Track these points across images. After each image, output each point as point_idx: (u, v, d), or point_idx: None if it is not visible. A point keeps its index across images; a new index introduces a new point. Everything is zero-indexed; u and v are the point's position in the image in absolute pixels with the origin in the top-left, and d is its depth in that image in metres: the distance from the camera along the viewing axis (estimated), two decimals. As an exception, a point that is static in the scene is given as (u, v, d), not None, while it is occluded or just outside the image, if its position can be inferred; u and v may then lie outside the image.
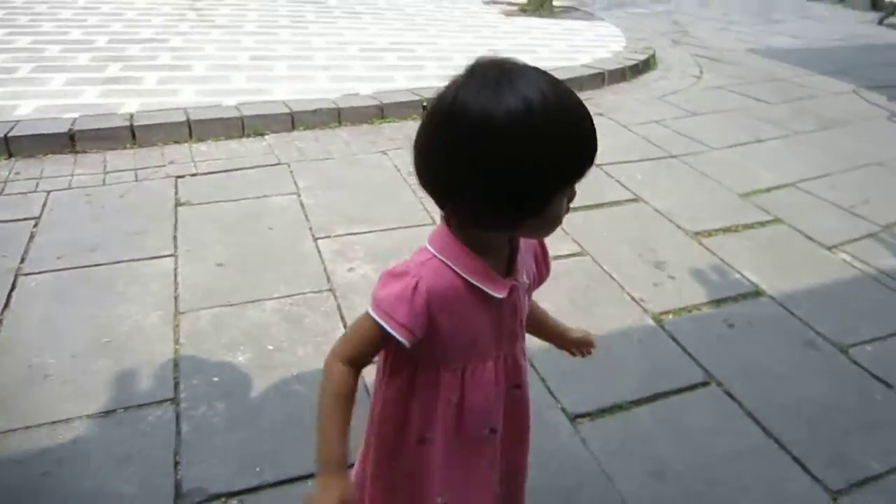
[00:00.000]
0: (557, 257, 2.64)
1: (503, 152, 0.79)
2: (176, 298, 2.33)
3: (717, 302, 2.45)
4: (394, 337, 0.90)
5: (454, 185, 0.85)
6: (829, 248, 2.83)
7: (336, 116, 3.91)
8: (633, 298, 2.45)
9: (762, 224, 3.03)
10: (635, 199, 3.21)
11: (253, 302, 2.32)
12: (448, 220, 0.93)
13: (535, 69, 0.84)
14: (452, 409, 1.01)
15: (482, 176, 0.81)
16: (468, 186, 0.83)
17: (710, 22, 7.72)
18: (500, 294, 0.95)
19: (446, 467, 1.06)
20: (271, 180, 3.23)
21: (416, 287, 0.89)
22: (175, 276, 2.46)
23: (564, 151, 0.81)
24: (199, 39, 5.29)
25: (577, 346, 1.27)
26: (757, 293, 2.51)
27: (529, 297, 1.07)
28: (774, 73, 5.52)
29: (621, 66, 5.15)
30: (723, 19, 7.96)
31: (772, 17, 8.21)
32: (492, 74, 0.80)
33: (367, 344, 0.96)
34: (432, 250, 0.92)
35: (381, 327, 0.90)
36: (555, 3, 7.47)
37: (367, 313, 0.93)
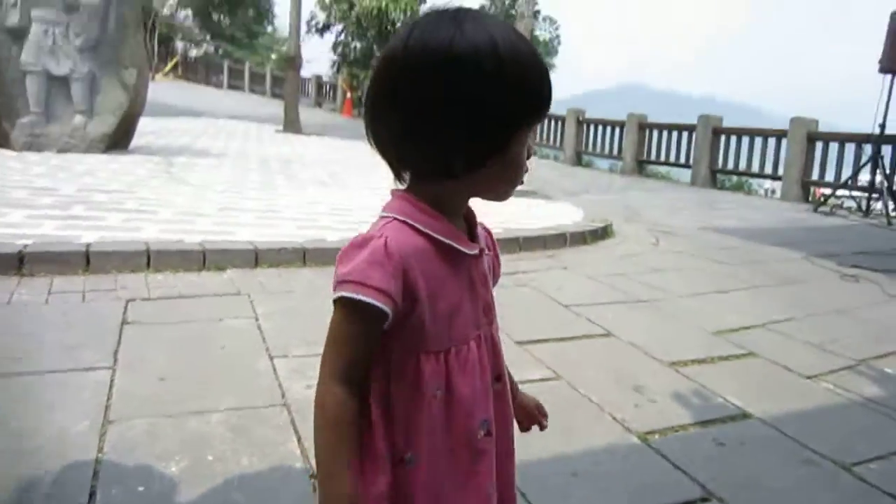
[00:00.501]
0: (530, 381, 2.50)
1: (470, 82, 0.76)
2: (107, 408, 2.07)
3: (704, 423, 2.28)
4: (374, 309, 0.77)
5: (418, 128, 0.79)
6: (809, 378, 2.74)
7: (301, 256, 3.86)
8: (614, 419, 2.27)
9: (737, 357, 2.94)
10: (607, 335, 3.12)
11: (196, 413, 2.08)
12: (403, 184, 0.86)
13: (488, 13, 0.85)
14: (439, 407, 0.85)
15: (448, 110, 0.77)
16: (433, 125, 0.78)
17: (658, 208, 8.21)
18: (469, 250, 0.86)
19: (434, 489, 0.86)
20: (229, 307, 3.08)
21: (385, 246, 0.78)
22: (110, 387, 2.22)
23: (525, 84, 0.80)
24: (168, 192, 5.37)
25: (529, 414, 1.09)
26: (744, 416, 2.35)
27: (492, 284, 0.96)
28: (727, 244, 5.76)
29: (582, 230, 5.34)
30: (671, 206, 8.49)
31: (716, 207, 8.80)
32: (448, 13, 0.80)
33: (352, 340, 0.82)
34: (390, 214, 0.83)
35: (357, 303, 0.77)
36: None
37: (336, 302, 0.80)
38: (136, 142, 8.02)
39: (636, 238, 5.76)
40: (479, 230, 0.93)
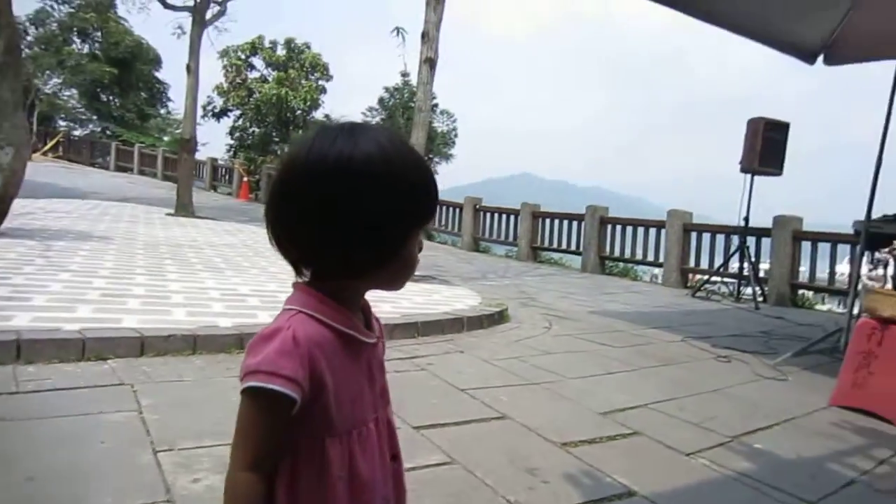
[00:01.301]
0: (426, 466, 2.51)
1: (364, 192, 0.84)
2: (-36, 514, 1.89)
3: (593, 502, 2.35)
4: (284, 397, 0.81)
5: (319, 235, 0.86)
6: (687, 455, 2.89)
7: (191, 344, 3.73)
8: (508, 502, 2.30)
9: (623, 436, 3.07)
10: (502, 417, 3.18)
11: (67, 514, 1.92)
12: (303, 278, 0.92)
13: (378, 125, 0.95)
14: (343, 489, 0.88)
15: (347, 218, 0.84)
16: (334, 232, 0.85)
17: (551, 293, 8.56)
18: (368, 339, 0.93)
19: None
20: (109, 399, 2.90)
21: (294, 338, 0.84)
22: (-33, 491, 2.02)
23: (416, 190, 0.88)
24: (44, 279, 5.04)
25: None
26: (630, 493, 2.44)
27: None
28: (614, 327, 6.07)
29: (479, 314, 5.48)
30: (563, 291, 8.87)
31: (604, 291, 9.28)
32: (344, 127, 0.89)
33: (262, 428, 0.84)
34: (295, 307, 0.89)
35: (268, 392, 0.81)
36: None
37: (245, 392, 0.84)
38: (8, 223, 7.52)
39: (531, 322, 5.96)
40: (374, 319, 1.00)
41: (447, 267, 10.39)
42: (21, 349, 3.27)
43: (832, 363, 4.77)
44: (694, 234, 10.79)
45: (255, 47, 26.58)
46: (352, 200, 0.83)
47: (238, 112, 26.34)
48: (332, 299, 0.89)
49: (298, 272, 0.92)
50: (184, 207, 13.89)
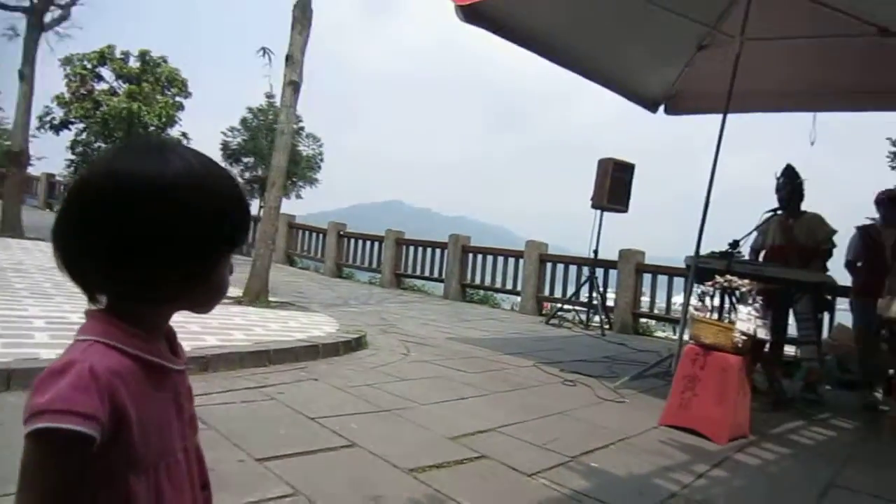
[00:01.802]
0: (268, 499, 2.43)
1: (170, 214, 0.79)
2: None
3: (436, 527, 2.38)
4: (82, 437, 0.72)
5: (118, 259, 0.79)
6: (530, 476, 3.00)
7: (5, 379, 3.35)
8: (350, 531, 2.27)
9: (471, 460, 3.14)
10: (351, 445, 3.15)
11: None
12: (97, 304, 0.85)
13: (185, 145, 0.92)
14: None
15: (151, 242, 0.79)
16: (135, 256, 0.79)
17: (413, 319, 8.64)
18: (175, 365, 0.88)
19: None
20: None
21: (91, 370, 0.75)
22: None
23: (226, 213, 0.85)
24: None
25: None
26: (472, 517, 2.50)
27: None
28: (471, 353, 6.22)
29: (335, 341, 5.41)
30: (424, 318, 8.98)
31: (463, 319, 9.50)
32: (149, 144, 0.85)
33: (55, 478, 0.74)
34: (90, 337, 0.81)
35: (63, 433, 0.71)
36: (271, 299, 7.83)
37: (33, 436, 0.73)
38: None
39: (388, 349, 5.97)
40: (179, 345, 0.95)
41: (308, 293, 10.20)
42: None
43: (664, 386, 5.16)
44: (549, 265, 11.36)
45: (103, 57, 24.78)
46: (157, 223, 0.79)
47: (82, 125, 24.36)
48: (132, 326, 0.83)
49: (92, 298, 0.84)
50: (11, 227, 12.60)
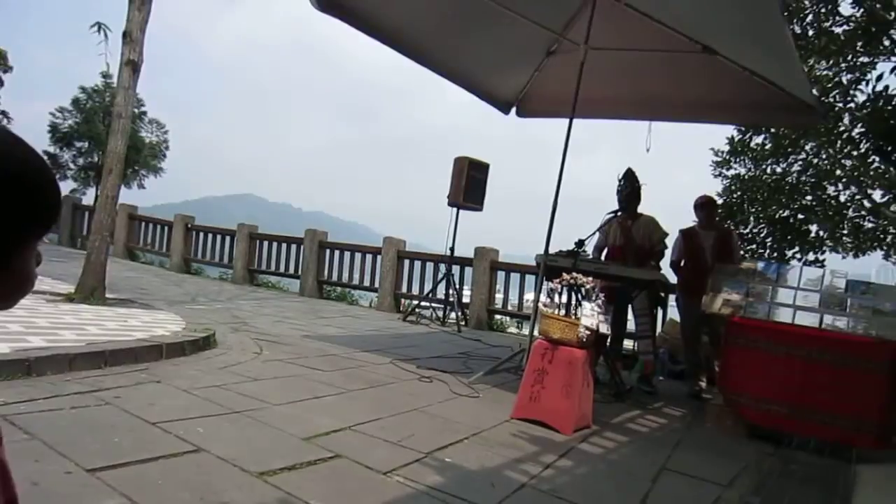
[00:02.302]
0: (99, 513, 2.22)
1: None
2: None
3: (287, 532, 2.30)
4: None
5: None
6: (384, 474, 2.99)
7: None
8: (193, 543, 2.13)
9: (324, 460, 3.07)
10: (196, 450, 2.96)
11: None
12: None
13: None
14: None
15: None
16: None
17: (267, 317, 8.34)
18: None
19: None
20: None
21: None
22: None
23: (26, 195, 0.76)
24: None
25: None
26: (325, 519, 2.44)
27: None
28: (327, 351, 6.10)
29: (180, 341, 5.08)
30: (279, 315, 8.70)
31: (320, 315, 9.32)
32: None
33: None
34: None
35: None
36: (108, 296, 7.22)
37: None
38: None
39: (240, 347, 5.71)
40: None
41: (151, 290, 9.53)
42: None
43: (516, 380, 5.37)
44: (407, 262, 11.43)
45: None
46: None
47: None
48: None
49: None
50: None
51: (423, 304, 10.37)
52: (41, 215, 0.78)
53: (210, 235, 14.02)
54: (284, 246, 12.98)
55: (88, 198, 19.54)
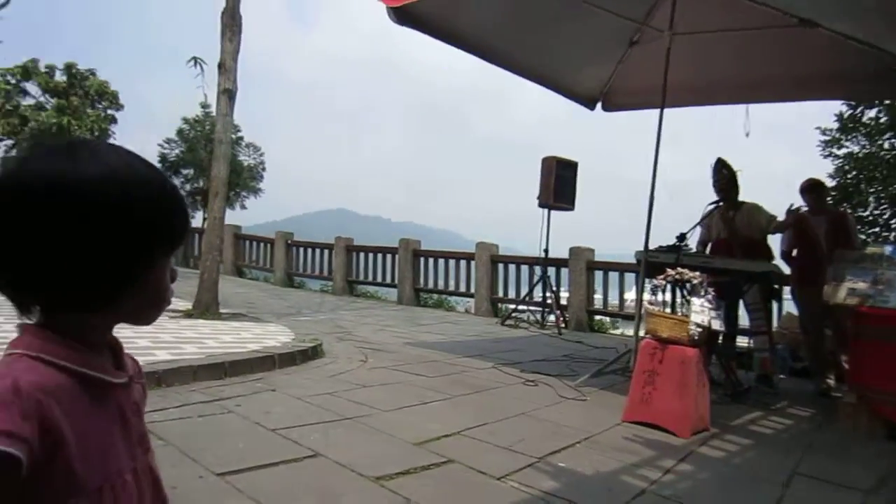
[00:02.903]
0: (231, 516, 2.31)
1: (86, 218, 0.73)
2: None
3: (408, 536, 2.31)
4: (4, 457, 0.65)
5: (34, 266, 0.73)
6: (498, 479, 2.96)
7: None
8: (319, 546, 2.18)
9: (437, 465, 3.08)
10: (314, 455, 3.05)
11: None
12: (30, 317, 0.78)
13: (108, 143, 0.86)
14: None
15: (68, 248, 0.72)
16: (54, 264, 0.73)
17: (368, 326, 8.53)
18: (116, 379, 0.81)
19: None
20: None
21: (13, 386, 0.69)
22: None
23: (155, 215, 0.79)
24: None
25: None
26: (444, 523, 2.44)
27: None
28: (429, 357, 6.16)
29: (291, 351, 5.27)
30: (379, 324, 8.87)
31: (418, 323, 9.43)
32: (62, 145, 0.77)
33: None
34: (18, 350, 0.75)
35: None
36: (222, 311, 7.60)
37: None
38: None
39: (346, 356, 5.86)
40: (126, 358, 0.88)
41: (259, 304, 9.96)
42: None
43: (624, 382, 5.22)
44: (501, 266, 11.39)
45: (27, 71, 23.83)
46: (71, 227, 0.72)
47: (10, 142, 23.40)
48: (65, 338, 0.76)
49: (22, 310, 0.77)
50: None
51: (520, 307, 10.29)
52: (174, 234, 0.81)
53: (309, 250, 14.52)
54: (380, 256, 13.26)
55: (196, 221, 20.73)
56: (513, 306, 10.49)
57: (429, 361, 5.92)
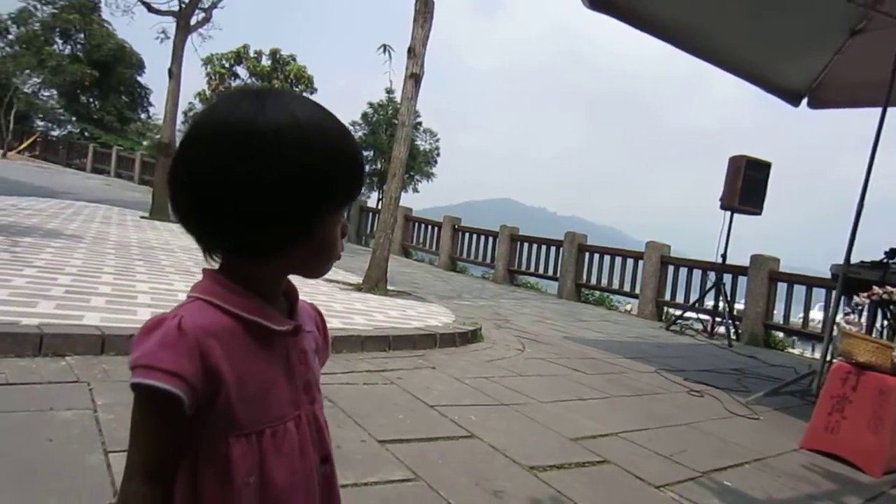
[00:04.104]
0: (389, 482, 2.43)
1: (268, 164, 0.75)
2: None
3: (559, 530, 2.28)
4: (166, 394, 0.71)
5: (220, 209, 0.77)
6: (657, 487, 2.83)
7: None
8: (471, 525, 2.21)
9: (592, 463, 3.00)
10: (470, 436, 3.10)
11: (4, 514, 1.81)
12: (213, 262, 0.83)
13: (296, 93, 0.87)
14: (252, 496, 0.78)
15: (248, 190, 0.75)
16: (234, 205, 0.76)
17: (526, 316, 8.52)
18: (281, 327, 0.83)
19: None
20: (63, 396, 2.77)
21: (179, 327, 0.74)
22: None
23: (332, 165, 0.79)
24: (7, 273, 4.86)
25: None
26: (597, 524, 2.38)
27: (319, 363, 0.95)
28: (587, 354, 6.03)
29: (452, 332, 5.40)
30: (538, 315, 8.83)
31: (578, 318, 9.26)
32: (251, 91, 0.80)
33: (149, 431, 0.75)
34: (194, 294, 0.80)
35: (149, 389, 0.71)
36: (389, 288, 7.97)
37: (133, 390, 0.74)
38: (-26, 217, 7.34)
39: (504, 343, 5.89)
40: (305, 308, 0.91)
41: (423, 284, 10.32)
42: (-25, 341, 3.12)
43: (803, 406, 4.77)
44: (671, 268, 10.85)
45: (239, 56, 26.55)
46: (251, 173, 0.75)
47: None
48: (240, 285, 0.80)
49: (209, 255, 0.82)
50: (159, 211, 13.64)
51: (688, 313, 9.74)
52: (350, 185, 0.83)
53: (474, 236, 14.78)
54: (544, 248, 13.17)
55: (371, 201, 21.87)
56: (680, 311, 9.96)
57: (587, 358, 5.79)
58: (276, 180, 0.75)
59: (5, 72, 28.73)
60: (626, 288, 11.57)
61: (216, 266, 0.83)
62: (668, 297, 10.79)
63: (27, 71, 31.79)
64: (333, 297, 6.48)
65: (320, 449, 0.89)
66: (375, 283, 7.77)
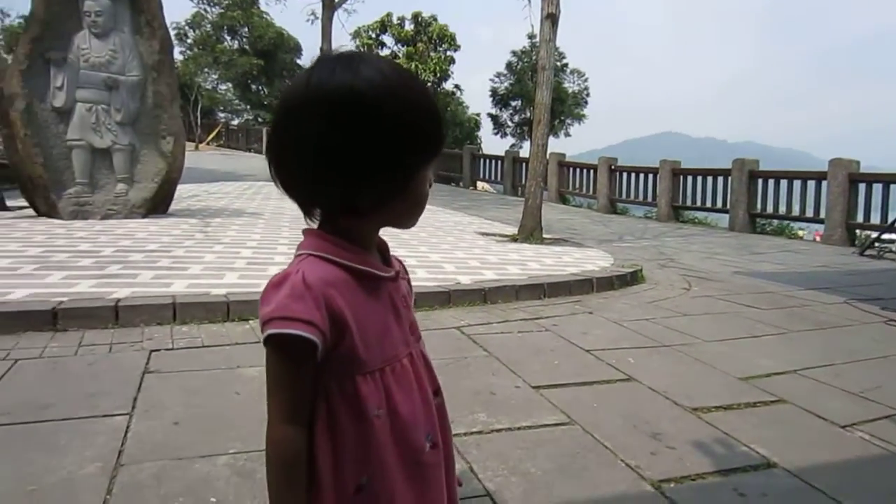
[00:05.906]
0: (543, 425, 2.47)
1: (364, 126, 0.80)
2: (120, 452, 2.11)
3: (724, 472, 2.18)
4: (303, 341, 0.79)
5: (320, 171, 0.82)
6: (843, 427, 2.60)
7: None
8: (628, 465, 2.19)
9: (765, 403, 2.82)
10: (628, 379, 3.05)
11: (203, 457, 2.10)
12: (313, 222, 0.90)
13: (376, 54, 0.90)
14: (383, 426, 0.86)
15: (346, 153, 0.80)
16: (336, 167, 0.81)
17: (693, 253, 8.08)
18: (385, 273, 0.90)
19: None
20: (248, 355, 3.11)
21: (304, 280, 0.81)
22: (126, 432, 2.26)
23: (422, 122, 0.84)
24: (200, 250, 5.49)
25: None
26: (769, 465, 2.24)
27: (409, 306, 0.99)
28: (762, 288, 5.61)
29: (609, 275, 5.28)
30: (707, 251, 8.35)
31: (752, 251, 8.61)
32: (341, 57, 0.84)
33: (288, 377, 0.83)
34: (305, 251, 0.87)
35: (286, 337, 0.79)
36: (545, 236, 7.92)
37: (266, 342, 0.81)
38: (176, 206, 8.33)
39: (667, 283, 5.66)
40: (392, 258, 0.96)
41: (581, 230, 10.13)
42: (176, 311, 3.60)
43: None
44: (862, 186, 9.70)
45: (384, 25, 27.19)
46: (351, 135, 0.80)
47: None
48: (342, 239, 0.86)
49: (308, 215, 0.89)
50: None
51: (887, 234, 8.68)
52: (435, 146, 0.87)
53: (633, 175, 14.18)
54: (710, 180, 12.33)
55: (524, 151, 21.66)
56: (877, 233, 8.91)
57: (762, 292, 5.40)
58: (374, 141, 0.80)
59: (188, 73, 31.83)
60: (809, 213, 10.54)
61: (315, 226, 0.89)
62: (860, 218, 9.68)
63: (205, 69, 35.06)
64: (489, 250, 6.58)
65: (431, 382, 0.97)
66: (530, 232, 7.76)
